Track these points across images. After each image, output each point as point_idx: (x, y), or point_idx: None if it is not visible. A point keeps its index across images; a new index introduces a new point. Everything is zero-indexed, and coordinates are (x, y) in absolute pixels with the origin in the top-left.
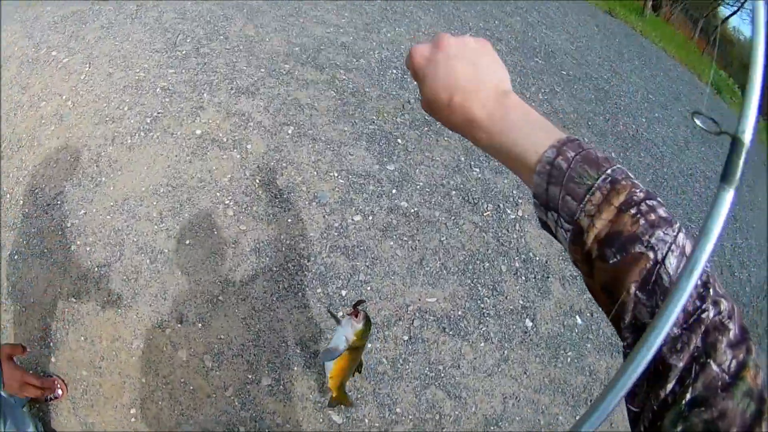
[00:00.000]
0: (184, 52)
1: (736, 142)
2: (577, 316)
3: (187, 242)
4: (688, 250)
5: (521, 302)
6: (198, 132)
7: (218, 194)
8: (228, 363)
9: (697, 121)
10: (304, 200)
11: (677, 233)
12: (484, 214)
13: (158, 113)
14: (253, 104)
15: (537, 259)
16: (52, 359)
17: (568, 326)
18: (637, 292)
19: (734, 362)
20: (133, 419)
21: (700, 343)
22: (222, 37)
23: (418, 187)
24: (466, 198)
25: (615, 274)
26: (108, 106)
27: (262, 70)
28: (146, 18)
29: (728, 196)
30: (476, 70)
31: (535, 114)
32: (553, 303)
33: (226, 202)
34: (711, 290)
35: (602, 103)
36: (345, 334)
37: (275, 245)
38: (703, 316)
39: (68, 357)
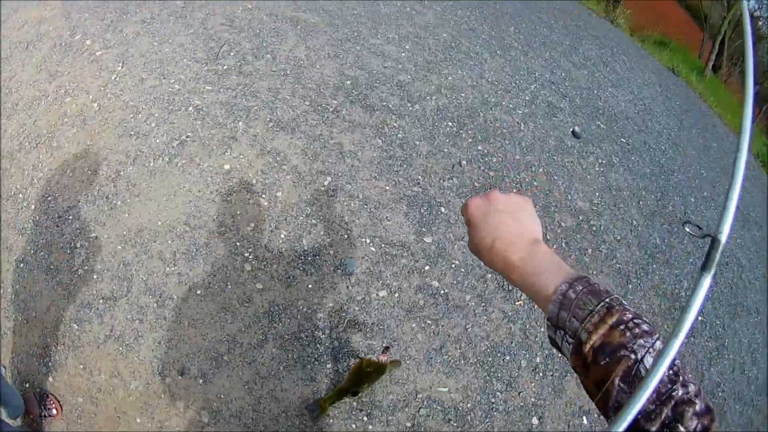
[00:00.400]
0: (225, 67)
1: (714, 241)
2: (585, 417)
3: (198, 292)
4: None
5: (533, 399)
6: (226, 167)
7: (238, 244)
8: (224, 422)
9: (687, 229)
10: (329, 266)
11: (655, 341)
12: (516, 303)
13: (187, 137)
14: (291, 143)
15: (559, 356)
16: (50, 379)
17: (574, 426)
18: (620, 383)
19: (699, 426)
20: None
21: (670, 413)
22: (269, 55)
23: (454, 265)
24: (501, 283)
25: (605, 372)
26: (135, 117)
27: (307, 102)
28: (191, 19)
29: (706, 280)
30: (516, 223)
31: (556, 258)
32: (565, 402)
33: (246, 254)
34: (681, 377)
35: (656, 179)
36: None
37: (290, 311)
38: (674, 393)
39: (66, 381)
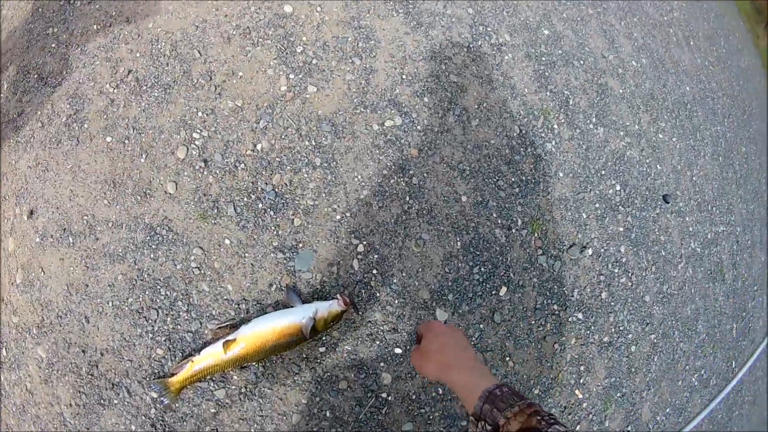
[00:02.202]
0: None
1: None
2: None
3: (108, 139)
4: None
5: None
6: (287, 9)
7: (200, 114)
8: (36, 290)
9: None
10: (277, 237)
11: (569, 429)
12: None
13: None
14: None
15: None
16: None
17: None
18: None
19: None
20: None
21: None
22: None
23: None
24: None
25: None
26: None
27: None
28: None
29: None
30: (461, 342)
31: (486, 370)
32: None
33: (195, 135)
34: None
35: None
36: (318, 307)
37: (175, 248)
38: None
39: None
